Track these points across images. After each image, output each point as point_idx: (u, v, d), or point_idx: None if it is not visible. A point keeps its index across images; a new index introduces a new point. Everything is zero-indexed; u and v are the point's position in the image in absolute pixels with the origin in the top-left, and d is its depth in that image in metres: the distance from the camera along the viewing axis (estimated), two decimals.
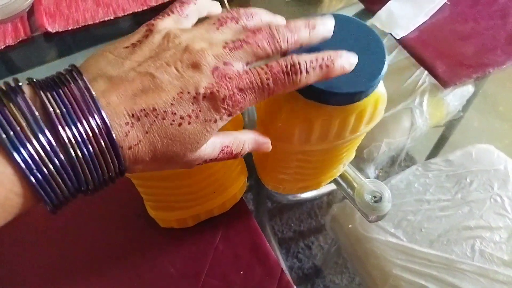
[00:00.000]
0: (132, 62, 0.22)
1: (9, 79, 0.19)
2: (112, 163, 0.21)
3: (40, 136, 0.18)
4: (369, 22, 0.63)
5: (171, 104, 0.21)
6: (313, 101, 0.29)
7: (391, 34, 0.57)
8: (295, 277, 1.08)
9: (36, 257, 0.43)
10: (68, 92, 0.19)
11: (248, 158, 0.45)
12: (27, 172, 0.18)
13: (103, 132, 0.20)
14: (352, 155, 0.44)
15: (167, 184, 0.35)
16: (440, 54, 0.55)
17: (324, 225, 1.18)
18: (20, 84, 0.19)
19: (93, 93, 0.20)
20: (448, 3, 0.60)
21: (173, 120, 0.21)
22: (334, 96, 0.28)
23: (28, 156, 0.18)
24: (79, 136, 0.19)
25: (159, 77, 0.21)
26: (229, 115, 0.23)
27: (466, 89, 0.84)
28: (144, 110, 0.21)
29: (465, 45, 0.56)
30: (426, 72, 0.78)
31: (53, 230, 0.45)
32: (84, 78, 0.20)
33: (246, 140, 0.27)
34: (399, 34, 0.57)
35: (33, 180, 0.18)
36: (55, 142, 0.19)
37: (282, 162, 0.39)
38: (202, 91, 0.22)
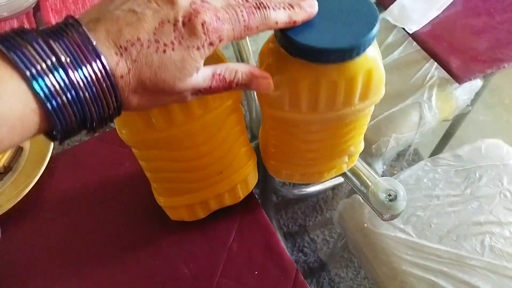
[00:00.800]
0: (116, 5, 0.25)
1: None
2: (111, 98, 0.24)
3: (56, 73, 0.21)
4: (380, 16, 0.62)
5: (154, 33, 0.24)
6: (299, 58, 0.29)
7: (403, 28, 0.56)
8: (301, 271, 1.08)
9: (47, 257, 0.43)
10: (72, 40, 0.22)
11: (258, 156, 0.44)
12: (44, 99, 0.21)
13: (103, 73, 0.23)
14: (358, 146, 0.43)
15: (167, 153, 0.35)
16: (454, 49, 0.54)
17: (329, 219, 1.17)
18: (33, 29, 0.22)
19: (93, 40, 0.23)
20: None
21: (158, 48, 0.24)
22: (318, 52, 0.28)
23: (45, 85, 0.21)
24: (85, 77, 0.22)
25: (141, 11, 0.24)
26: (210, 44, 0.25)
27: (475, 83, 0.83)
28: (129, 40, 0.23)
29: (478, 40, 0.55)
30: (435, 65, 0.77)
31: (65, 230, 0.45)
32: (84, 28, 0.23)
33: (239, 68, 0.28)
34: (412, 28, 0.56)
35: (49, 106, 0.21)
36: (68, 80, 0.22)
37: (281, 138, 0.38)
38: (180, 19, 0.24)
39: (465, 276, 0.64)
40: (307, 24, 0.29)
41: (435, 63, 0.66)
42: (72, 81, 0.22)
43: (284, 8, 0.27)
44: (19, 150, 0.50)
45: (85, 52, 0.22)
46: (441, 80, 0.81)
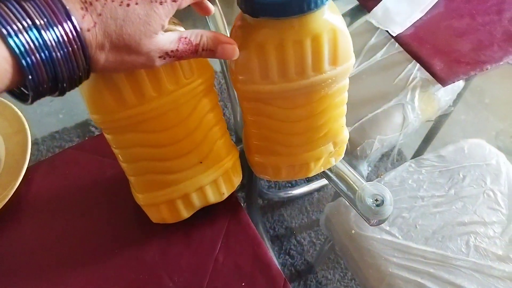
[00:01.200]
0: None
1: None
2: (79, 54, 0.24)
3: (30, 32, 0.22)
4: (364, 19, 0.62)
5: None
6: (261, 17, 0.30)
7: (387, 31, 0.56)
8: (288, 274, 1.07)
9: (32, 263, 0.41)
10: (44, 2, 0.23)
11: (243, 160, 0.43)
12: (19, 55, 0.22)
13: (73, 33, 0.24)
14: (341, 133, 0.42)
15: (142, 137, 0.34)
16: (437, 51, 0.54)
17: (315, 221, 1.17)
18: None
19: (64, 3, 0.23)
20: None
21: (121, 2, 0.25)
22: (278, 5, 0.29)
23: (21, 44, 0.22)
24: (57, 38, 0.23)
25: None
26: (173, 0, 0.26)
27: (457, 84, 0.83)
28: None
29: (461, 42, 0.55)
30: (417, 67, 0.77)
31: (43, 242, 0.43)
32: None
33: (204, 32, 0.29)
34: (396, 31, 0.55)
35: (23, 62, 0.22)
36: (41, 39, 0.23)
37: (258, 123, 0.38)
38: None
39: (451, 276, 0.64)
40: None
41: (418, 64, 0.67)
42: (45, 41, 0.23)
43: None
44: None
45: (56, 13, 0.23)
46: (424, 81, 0.81)
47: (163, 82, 0.32)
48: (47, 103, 1.34)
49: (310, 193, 1.21)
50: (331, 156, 0.43)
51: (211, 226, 0.43)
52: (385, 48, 0.86)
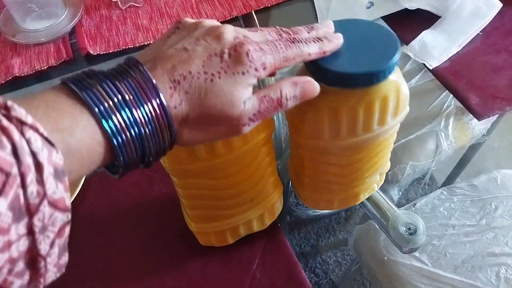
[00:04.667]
0: (169, 44, 0.28)
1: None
2: (167, 132, 0.25)
3: (122, 111, 0.23)
4: (401, 51, 0.64)
5: (203, 66, 0.26)
6: (336, 87, 0.32)
7: (424, 64, 0.58)
8: None
9: (75, 276, 0.45)
10: (135, 80, 0.24)
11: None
12: (111, 135, 0.23)
13: (161, 110, 0.25)
14: (387, 164, 0.45)
15: (205, 182, 0.37)
16: (473, 86, 0.56)
17: (342, 241, 1.18)
18: (100, 71, 0.25)
19: (153, 79, 0.25)
20: (481, 34, 0.61)
21: (206, 78, 0.26)
22: (353, 78, 0.31)
23: (113, 125, 0.23)
24: (146, 114, 0.24)
25: (192, 49, 0.27)
26: (256, 70, 0.27)
27: None
28: (182, 74, 0.26)
29: (497, 77, 0.57)
30: (451, 95, 0.78)
31: (95, 250, 0.47)
32: (144, 67, 0.25)
33: (282, 84, 0.29)
34: (432, 64, 0.57)
35: (115, 142, 0.23)
36: (132, 117, 0.24)
37: (317, 168, 0.40)
38: (226, 51, 0.27)
39: None
40: (337, 54, 0.31)
41: None
42: (136, 118, 0.24)
43: (314, 41, 0.30)
44: None
45: (146, 91, 0.24)
46: (458, 110, 0.82)
47: (233, 141, 0.34)
48: None
49: (337, 212, 1.22)
50: (376, 182, 0.46)
51: (249, 244, 0.46)
52: (419, 75, 0.88)
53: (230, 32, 0.28)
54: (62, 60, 0.61)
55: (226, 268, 0.44)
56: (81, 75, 0.24)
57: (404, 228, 0.45)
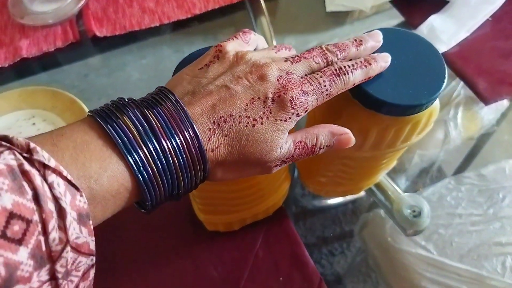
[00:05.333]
0: (208, 79, 0.26)
1: (116, 99, 0.23)
2: (199, 167, 0.24)
3: (149, 144, 0.22)
4: None
5: (245, 109, 0.25)
6: (372, 110, 0.30)
7: None
8: None
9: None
10: (166, 111, 0.23)
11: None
12: (137, 172, 0.22)
13: (194, 142, 0.23)
14: (394, 162, 0.45)
15: (218, 188, 0.37)
16: (481, 70, 0.55)
17: (348, 232, 1.17)
18: (130, 100, 0.23)
19: (187, 110, 0.23)
20: (490, 19, 0.60)
21: (248, 123, 0.25)
22: (394, 107, 0.29)
23: (139, 159, 0.22)
24: (177, 146, 0.23)
25: (233, 88, 0.25)
26: (297, 115, 0.26)
27: (501, 103, 0.83)
28: (222, 117, 0.24)
29: (506, 62, 0.56)
30: (461, 84, 0.77)
31: (105, 231, 0.47)
32: (177, 97, 0.24)
33: (319, 131, 0.28)
34: (441, 49, 0.57)
35: (140, 178, 0.22)
36: (160, 150, 0.22)
37: (327, 166, 0.40)
38: (270, 95, 0.25)
39: None
40: (380, 77, 0.29)
41: (462, 82, 0.67)
42: (164, 148, 0.23)
43: (361, 67, 0.28)
44: None
45: (178, 122, 0.23)
46: (468, 99, 0.81)
47: None
48: None
49: (344, 204, 1.21)
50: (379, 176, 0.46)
51: (253, 225, 0.46)
52: None
53: (274, 72, 0.26)
54: (69, 42, 0.61)
55: (230, 247, 0.45)
56: (111, 107, 0.23)
57: (409, 211, 0.45)
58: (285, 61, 0.27)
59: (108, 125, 0.22)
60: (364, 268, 1.09)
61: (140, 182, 0.22)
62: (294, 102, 0.25)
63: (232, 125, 0.25)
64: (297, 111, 0.26)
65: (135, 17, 0.63)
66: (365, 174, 0.42)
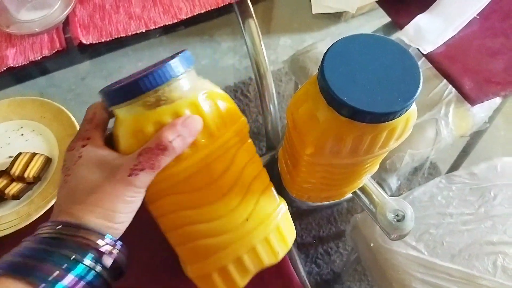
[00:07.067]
0: None
1: None
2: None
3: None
4: (395, 36, 0.63)
5: None
6: (346, 117, 0.30)
7: (418, 49, 0.57)
8: (313, 282, 1.08)
9: None
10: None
11: (274, 167, 0.46)
12: None
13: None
14: (376, 166, 0.45)
15: (187, 197, 0.34)
16: (468, 70, 0.55)
17: (343, 231, 1.17)
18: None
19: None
20: (478, 17, 0.60)
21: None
22: (368, 115, 0.29)
23: None
24: None
25: None
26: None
27: (494, 101, 0.82)
28: None
29: (494, 61, 0.56)
30: None
31: None
32: None
33: (160, 131, 0.31)
34: (427, 49, 0.56)
35: None
36: None
37: (309, 172, 0.40)
38: None
39: None
40: (351, 83, 0.29)
41: None
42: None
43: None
44: (48, 161, 0.53)
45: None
46: (459, 97, 0.81)
47: (197, 139, 0.32)
48: None
49: (339, 203, 1.21)
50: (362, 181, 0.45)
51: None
52: (419, 62, 0.86)
53: None
54: (56, 50, 0.61)
55: None
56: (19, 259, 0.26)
57: (392, 215, 0.45)
58: None
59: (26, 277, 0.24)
60: (360, 268, 1.09)
61: None
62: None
63: None
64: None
65: (121, 23, 0.62)
66: (347, 179, 0.41)
